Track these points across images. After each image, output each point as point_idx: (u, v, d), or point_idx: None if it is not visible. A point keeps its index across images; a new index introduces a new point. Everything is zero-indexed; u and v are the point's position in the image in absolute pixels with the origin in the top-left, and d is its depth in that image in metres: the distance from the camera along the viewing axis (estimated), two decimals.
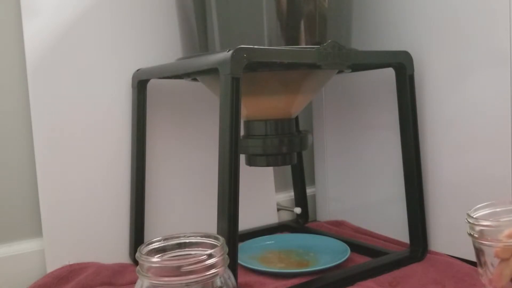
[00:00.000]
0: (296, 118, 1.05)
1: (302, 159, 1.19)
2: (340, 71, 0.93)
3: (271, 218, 1.18)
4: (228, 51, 0.67)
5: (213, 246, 0.53)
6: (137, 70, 0.94)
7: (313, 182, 1.26)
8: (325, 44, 0.76)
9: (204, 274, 0.49)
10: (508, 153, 0.79)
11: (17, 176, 0.89)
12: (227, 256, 0.53)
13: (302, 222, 1.18)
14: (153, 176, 0.99)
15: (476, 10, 0.81)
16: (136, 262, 0.52)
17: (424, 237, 0.91)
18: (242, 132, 0.89)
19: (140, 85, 0.93)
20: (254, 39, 0.75)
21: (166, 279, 0.49)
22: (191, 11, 0.82)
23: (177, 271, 0.48)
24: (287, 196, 1.24)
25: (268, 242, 1.02)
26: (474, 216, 0.55)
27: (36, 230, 0.90)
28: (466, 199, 0.86)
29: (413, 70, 0.89)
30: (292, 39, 0.76)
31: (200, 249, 0.55)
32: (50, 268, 0.87)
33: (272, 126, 0.85)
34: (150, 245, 0.55)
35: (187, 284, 0.48)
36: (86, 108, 0.92)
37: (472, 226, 0.55)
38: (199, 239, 0.56)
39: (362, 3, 1.02)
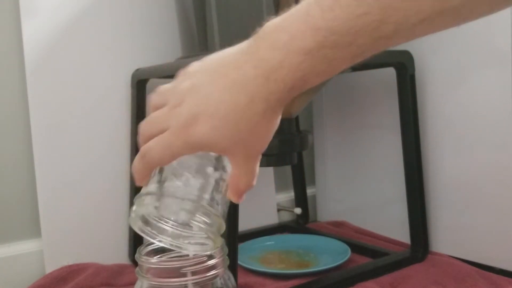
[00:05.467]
0: (296, 118, 1.04)
1: (302, 159, 1.19)
2: None
3: (271, 218, 1.17)
4: None
5: None
6: (136, 70, 0.94)
7: (313, 182, 1.26)
8: None
9: (204, 275, 0.49)
10: (509, 153, 0.79)
11: (16, 177, 0.88)
12: (227, 257, 0.52)
13: (302, 223, 1.18)
14: None
15: None
16: (135, 263, 0.52)
17: (425, 237, 0.91)
18: None
19: (139, 85, 0.92)
20: None
21: (165, 280, 0.48)
22: (191, 10, 0.81)
23: (176, 272, 0.48)
24: (287, 196, 1.24)
25: (268, 243, 1.01)
26: None
27: (35, 231, 0.89)
28: (467, 199, 0.86)
29: (414, 69, 0.89)
30: None
31: None
32: (49, 269, 0.87)
33: None
34: (149, 246, 0.54)
35: (186, 285, 0.48)
36: (85, 107, 0.92)
37: None
38: None
39: None
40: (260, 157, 0.40)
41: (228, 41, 0.77)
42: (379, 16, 0.31)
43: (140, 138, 0.39)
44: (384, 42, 0.32)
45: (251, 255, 0.94)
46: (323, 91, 1.18)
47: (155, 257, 0.53)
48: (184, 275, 0.48)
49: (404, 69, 0.88)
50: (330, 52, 0.32)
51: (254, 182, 0.40)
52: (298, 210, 1.18)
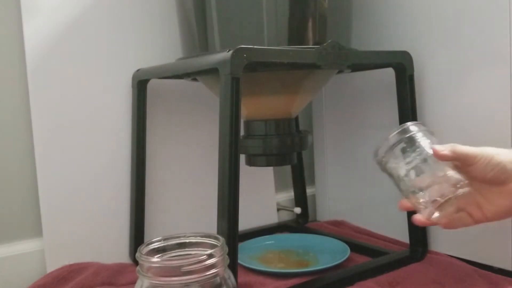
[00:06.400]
0: (296, 118, 1.04)
1: (302, 159, 1.19)
2: (340, 71, 0.93)
3: (271, 218, 1.18)
4: (228, 51, 0.67)
5: (213, 246, 0.53)
6: (137, 70, 0.94)
7: (313, 182, 1.26)
8: (325, 44, 0.76)
9: (204, 274, 0.49)
10: None
11: (17, 176, 0.89)
12: (227, 256, 0.53)
13: (302, 222, 1.18)
14: (153, 176, 0.99)
15: (476, 10, 0.81)
16: (136, 262, 0.52)
17: (424, 237, 0.91)
18: (242, 132, 0.89)
19: (140, 85, 0.93)
20: (254, 39, 0.75)
21: (166, 279, 0.49)
22: (191, 11, 0.82)
23: (177, 271, 0.48)
24: (287, 196, 1.24)
25: (268, 242, 1.02)
26: None
27: (36, 230, 0.90)
28: None
29: (413, 70, 0.89)
30: (292, 39, 0.76)
31: (200, 249, 0.55)
32: (50, 268, 0.87)
33: (272, 126, 0.85)
34: (150, 245, 0.55)
35: (187, 284, 0.48)
36: (86, 108, 0.92)
37: None
38: (199, 239, 0.56)
39: (362, 3, 1.01)
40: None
41: (228, 42, 0.78)
42: None
43: None
44: None
45: (251, 254, 0.95)
46: (323, 91, 1.18)
47: (155, 256, 0.53)
48: (185, 274, 0.48)
49: (403, 69, 0.88)
50: None
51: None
52: (297, 210, 1.19)
